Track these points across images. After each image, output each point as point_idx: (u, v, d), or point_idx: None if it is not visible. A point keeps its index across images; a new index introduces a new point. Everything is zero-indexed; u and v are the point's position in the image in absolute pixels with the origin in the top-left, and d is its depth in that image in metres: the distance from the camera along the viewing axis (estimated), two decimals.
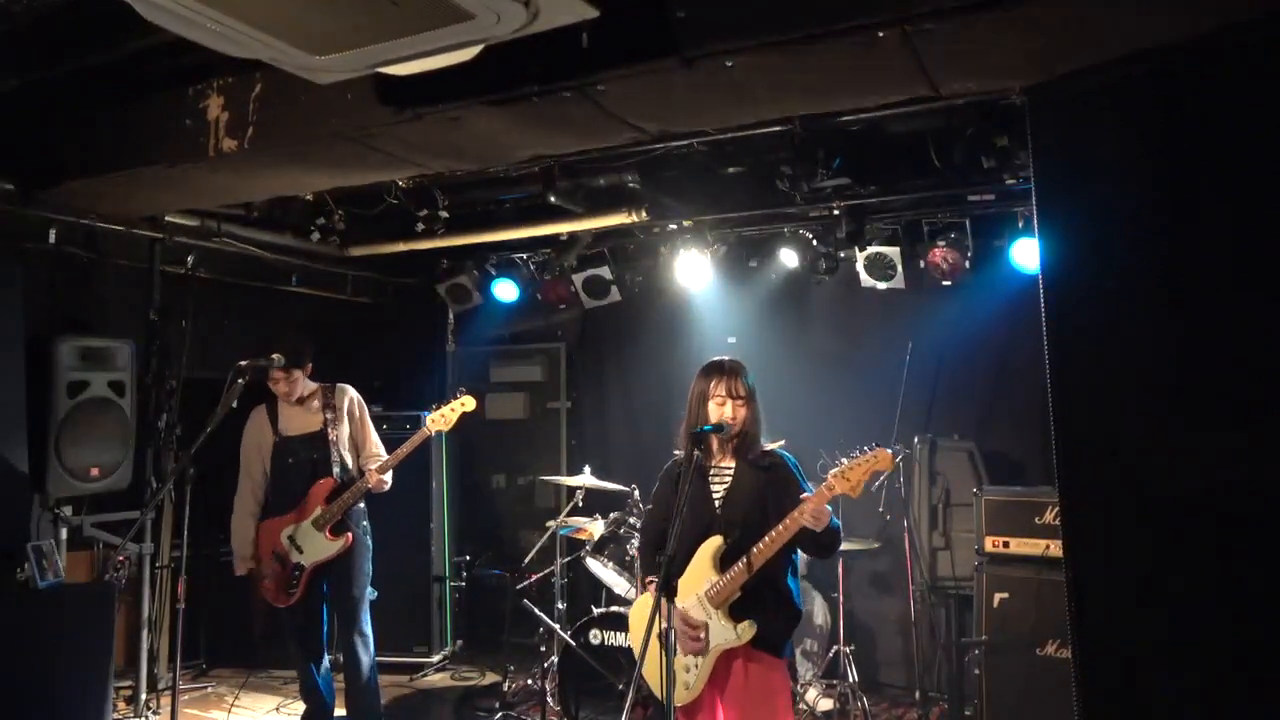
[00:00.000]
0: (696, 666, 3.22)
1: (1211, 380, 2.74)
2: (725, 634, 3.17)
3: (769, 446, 3.35)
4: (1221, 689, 2.68)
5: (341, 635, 4.55)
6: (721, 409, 3.25)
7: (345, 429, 4.60)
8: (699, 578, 3.23)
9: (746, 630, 3.15)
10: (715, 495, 3.29)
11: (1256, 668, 2.62)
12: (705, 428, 3.19)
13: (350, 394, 4.69)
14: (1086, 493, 2.97)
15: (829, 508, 3.10)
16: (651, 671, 3.19)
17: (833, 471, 3.12)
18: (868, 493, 5.08)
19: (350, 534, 4.47)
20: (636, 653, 3.06)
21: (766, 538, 3.11)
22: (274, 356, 4.36)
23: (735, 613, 3.17)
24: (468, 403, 4.63)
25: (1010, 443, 5.55)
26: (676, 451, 3.45)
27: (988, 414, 5.65)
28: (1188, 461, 2.76)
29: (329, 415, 4.56)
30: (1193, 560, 2.74)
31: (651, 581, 3.32)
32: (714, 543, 3.22)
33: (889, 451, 3.09)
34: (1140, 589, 2.85)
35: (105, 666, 4.58)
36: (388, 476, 4.51)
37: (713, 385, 3.28)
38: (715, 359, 3.37)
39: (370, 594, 4.63)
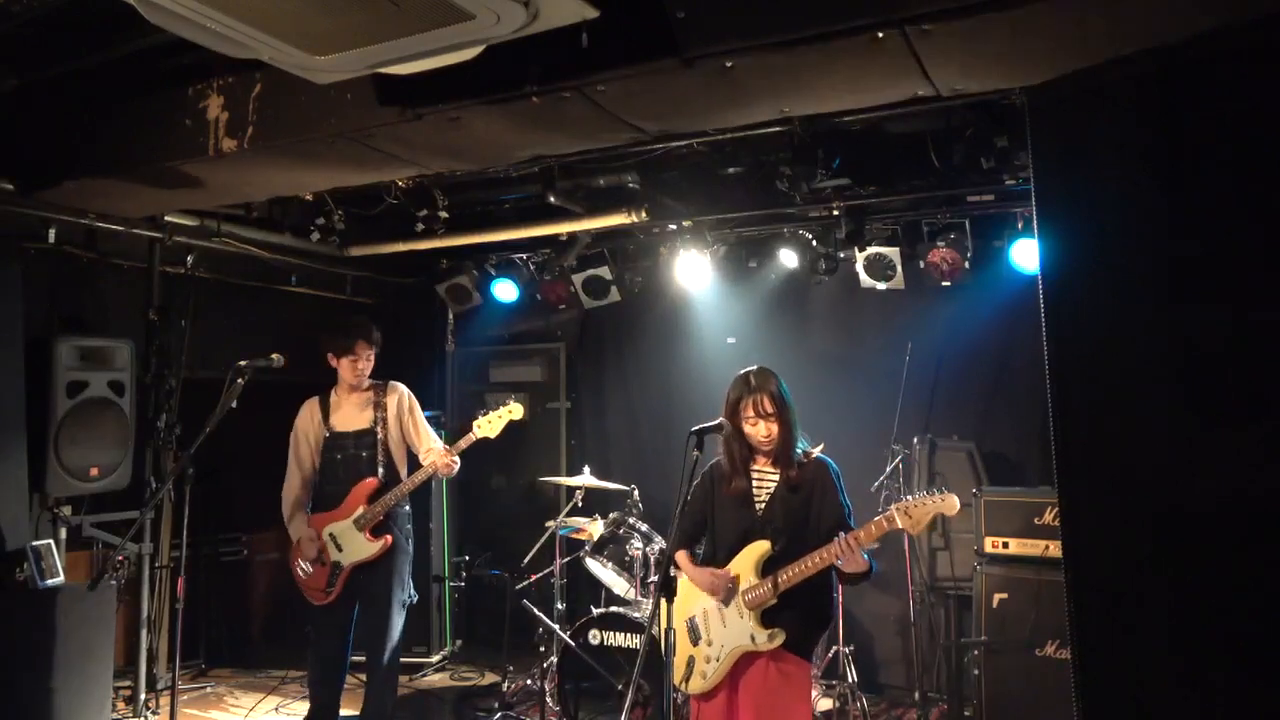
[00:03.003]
0: (718, 660, 3.24)
1: (1211, 380, 2.74)
2: (746, 637, 3.20)
3: (813, 453, 3.37)
4: (1223, 690, 2.68)
5: (370, 637, 4.50)
6: (755, 429, 3.28)
7: (394, 429, 4.59)
8: (739, 578, 3.26)
9: (773, 638, 3.17)
10: (757, 500, 3.31)
11: (1258, 668, 2.62)
12: (705, 426, 3.19)
13: (401, 391, 4.67)
14: (1086, 493, 2.97)
15: (865, 556, 3.12)
16: (675, 660, 3.25)
17: (896, 505, 3.13)
18: (872, 494, 5.15)
19: (390, 536, 4.45)
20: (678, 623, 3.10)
21: (798, 565, 3.14)
22: (273, 356, 4.35)
23: (767, 619, 3.20)
24: (515, 410, 4.59)
25: (1010, 443, 5.56)
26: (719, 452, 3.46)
27: (987, 414, 5.65)
28: (1188, 461, 2.76)
29: (379, 414, 4.56)
30: (1193, 560, 2.74)
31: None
32: (761, 547, 3.24)
33: (956, 499, 3.11)
34: (1140, 589, 2.85)
35: (104, 666, 4.58)
36: (457, 459, 4.47)
37: (742, 406, 3.29)
38: (744, 372, 3.36)
39: (412, 596, 4.61)
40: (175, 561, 4.88)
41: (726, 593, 3.26)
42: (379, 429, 4.53)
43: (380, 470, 4.51)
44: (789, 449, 3.29)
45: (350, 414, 4.60)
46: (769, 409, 3.24)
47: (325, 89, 3.48)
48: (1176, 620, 2.76)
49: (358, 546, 4.43)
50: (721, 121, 3.85)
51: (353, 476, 4.50)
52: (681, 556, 3.42)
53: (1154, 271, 2.87)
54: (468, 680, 6.16)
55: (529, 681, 5.48)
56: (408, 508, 4.62)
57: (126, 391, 5.10)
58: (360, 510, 4.42)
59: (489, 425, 4.55)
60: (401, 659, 6.05)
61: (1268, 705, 2.60)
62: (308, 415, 4.64)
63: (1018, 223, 5.13)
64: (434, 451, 4.54)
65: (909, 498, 3.14)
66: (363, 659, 4.58)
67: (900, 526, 3.10)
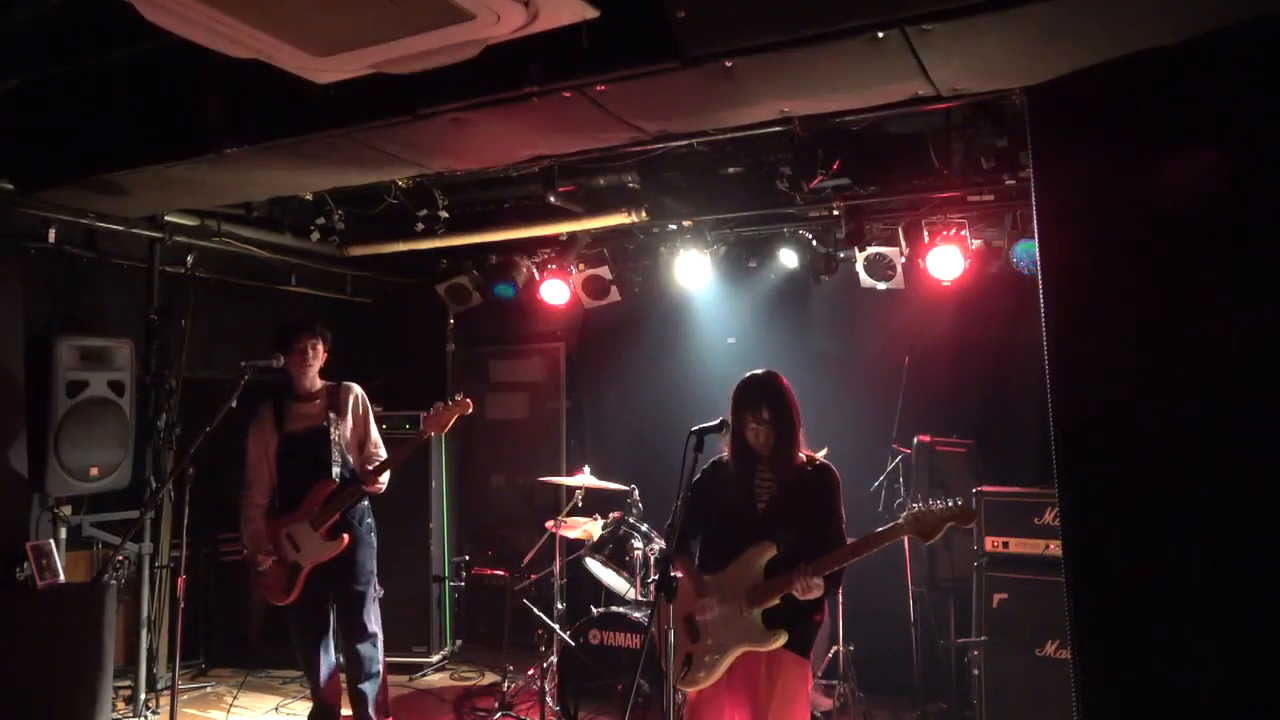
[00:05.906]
0: (718, 658, 3.25)
1: (1211, 380, 2.74)
2: (748, 636, 3.20)
3: (817, 458, 3.38)
4: (1223, 690, 2.68)
5: (346, 634, 4.52)
6: (754, 434, 3.30)
7: (348, 427, 4.60)
8: (742, 578, 3.26)
9: (776, 638, 3.18)
10: (759, 502, 3.31)
11: (1258, 668, 2.62)
12: (705, 426, 3.19)
13: (355, 391, 4.68)
14: (1086, 492, 2.98)
15: (819, 581, 3.11)
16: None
17: (906, 514, 3.12)
18: (871, 494, 5.15)
19: (347, 535, 4.44)
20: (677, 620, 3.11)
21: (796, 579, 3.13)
22: (275, 356, 4.36)
23: (769, 620, 3.20)
24: (465, 405, 4.62)
25: (1010, 443, 5.54)
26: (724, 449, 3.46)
27: (987, 414, 5.64)
28: (1187, 461, 2.76)
29: (332, 414, 4.57)
30: (1193, 560, 2.74)
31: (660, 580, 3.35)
32: (767, 549, 3.24)
33: (972, 509, 3.08)
34: (1140, 589, 2.85)
35: (104, 666, 4.58)
36: (384, 478, 4.48)
37: (743, 411, 3.30)
38: (748, 375, 3.37)
39: (377, 591, 4.62)
40: (175, 561, 4.87)
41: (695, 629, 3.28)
42: (332, 429, 4.53)
43: (335, 469, 4.50)
44: (789, 454, 3.30)
45: (303, 415, 4.59)
46: (767, 417, 3.25)
47: (325, 89, 3.47)
48: (1176, 621, 2.76)
49: (316, 546, 4.42)
50: (721, 121, 3.85)
51: (309, 477, 4.48)
52: (683, 568, 3.42)
53: (1153, 272, 2.87)
54: (468, 680, 6.16)
55: (529, 681, 5.48)
56: (366, 502, 4.61)
57: (126, 391, 5.10)
58: (316, 511, 4.43)
59: (436, 422, 4.50)
60: (401, 659, 6.13)
61: (1268, 705, 2.60)
62: (261, 425, 4.61)
63: (1017, 223, 5.13)
64: (374, 456, 4.56)
65: (916, 505, 3.10)
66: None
67: (912, 535, 3.09)
